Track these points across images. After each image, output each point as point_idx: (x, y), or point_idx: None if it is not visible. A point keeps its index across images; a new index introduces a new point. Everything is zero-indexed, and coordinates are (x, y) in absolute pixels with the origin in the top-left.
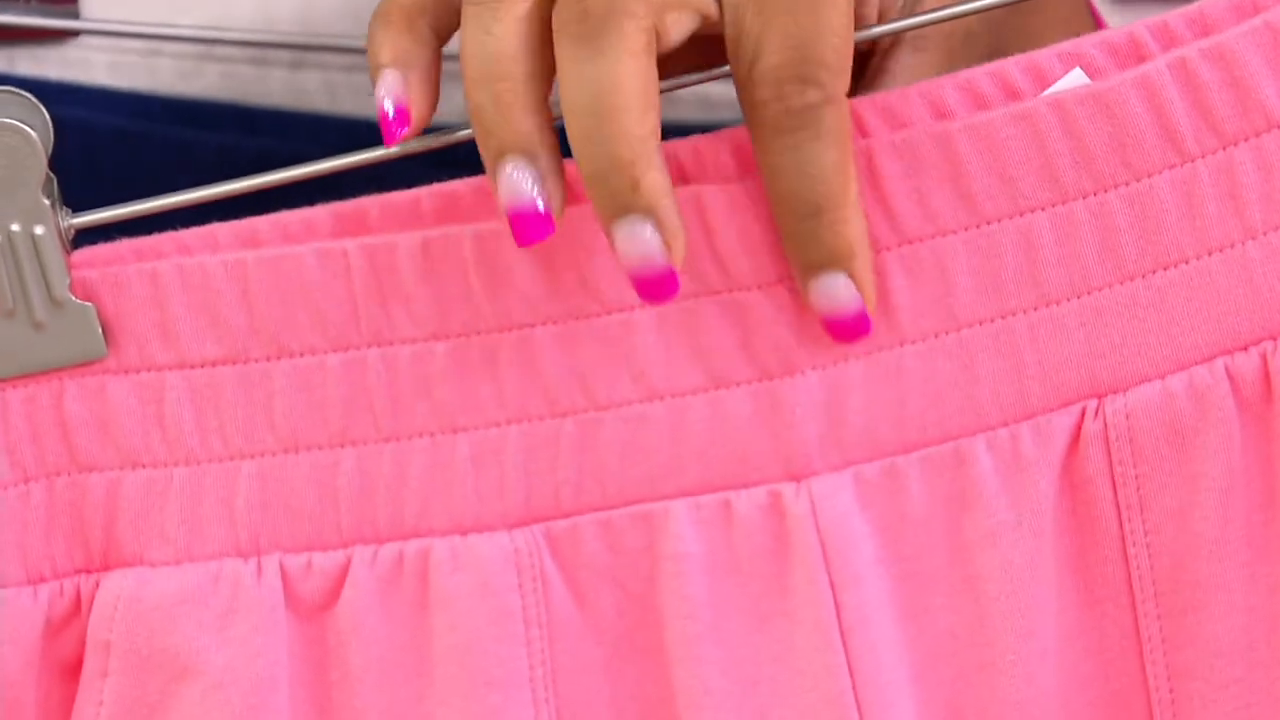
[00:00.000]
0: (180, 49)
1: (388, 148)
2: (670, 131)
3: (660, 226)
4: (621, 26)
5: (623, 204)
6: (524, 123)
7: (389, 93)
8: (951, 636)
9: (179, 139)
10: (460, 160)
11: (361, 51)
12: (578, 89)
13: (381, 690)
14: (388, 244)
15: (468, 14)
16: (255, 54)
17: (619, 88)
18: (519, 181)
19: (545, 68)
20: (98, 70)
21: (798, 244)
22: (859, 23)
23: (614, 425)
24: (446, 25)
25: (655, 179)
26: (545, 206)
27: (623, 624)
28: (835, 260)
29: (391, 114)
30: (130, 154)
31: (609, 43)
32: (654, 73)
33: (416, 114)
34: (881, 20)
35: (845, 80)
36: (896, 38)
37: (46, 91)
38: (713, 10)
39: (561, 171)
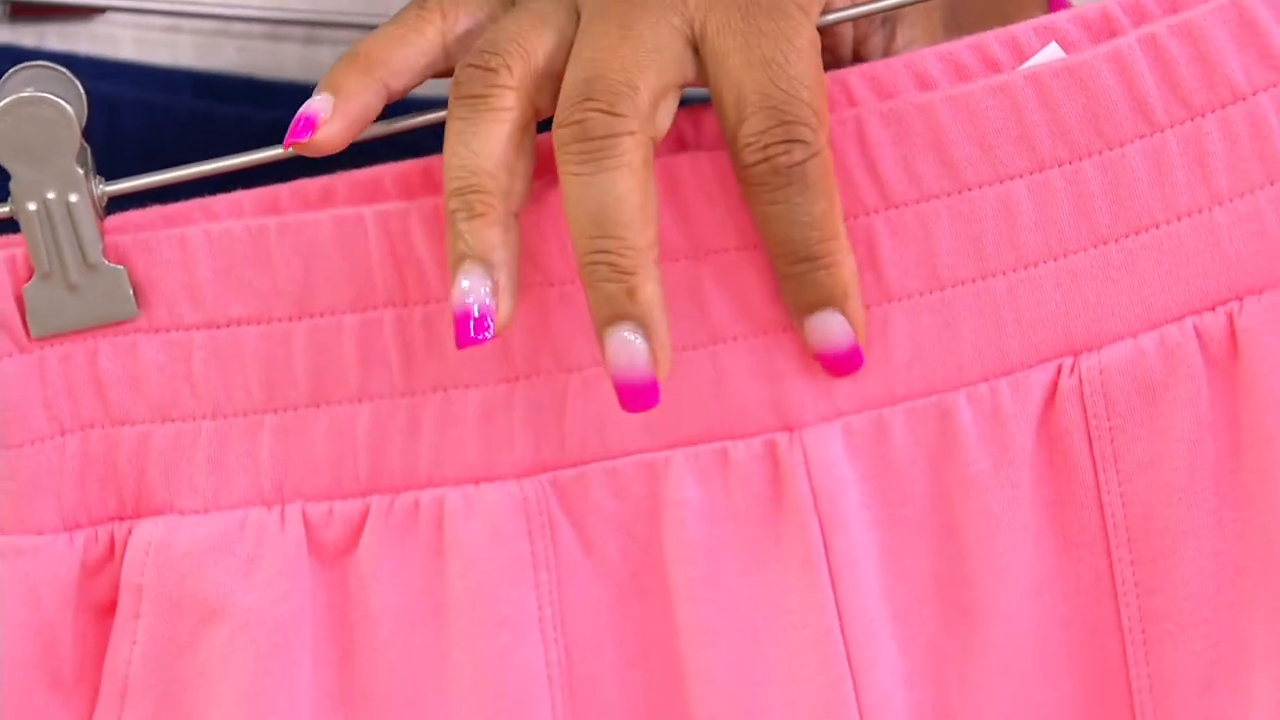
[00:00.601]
0: (199, 25)
1: (286, 149)
2: None
3: (650, 337)
4: (620, 145)
5: (619, 311)
6: (490, 236)
7: (309, 105)
8: (933, 579)
9: (200, 111)
10: None
11: (367, 27)
12: (581, 203)
13: (399, 631)
14: (401, 210)
15: (451, 126)
16: (270, 30)
17: (620, 202)
18: (473, 288)
19: (519, 182)
20: (123, 45)
21: (792, 286)
22: (835, 56)
23: None
24: (401, 86)
25: (652, 291)
26: (492, 316)
27: (627, 567)
28: (829, 301)
29: (300, 121)
30: (154, 124)
31: (610, 161)
32: (653, 185)
33: (325, 133)
34: (858, 52)
35: (826, 128)
36: (885, 51)
37: (75, 66)
38: (692, 74)
39: (516, 288)
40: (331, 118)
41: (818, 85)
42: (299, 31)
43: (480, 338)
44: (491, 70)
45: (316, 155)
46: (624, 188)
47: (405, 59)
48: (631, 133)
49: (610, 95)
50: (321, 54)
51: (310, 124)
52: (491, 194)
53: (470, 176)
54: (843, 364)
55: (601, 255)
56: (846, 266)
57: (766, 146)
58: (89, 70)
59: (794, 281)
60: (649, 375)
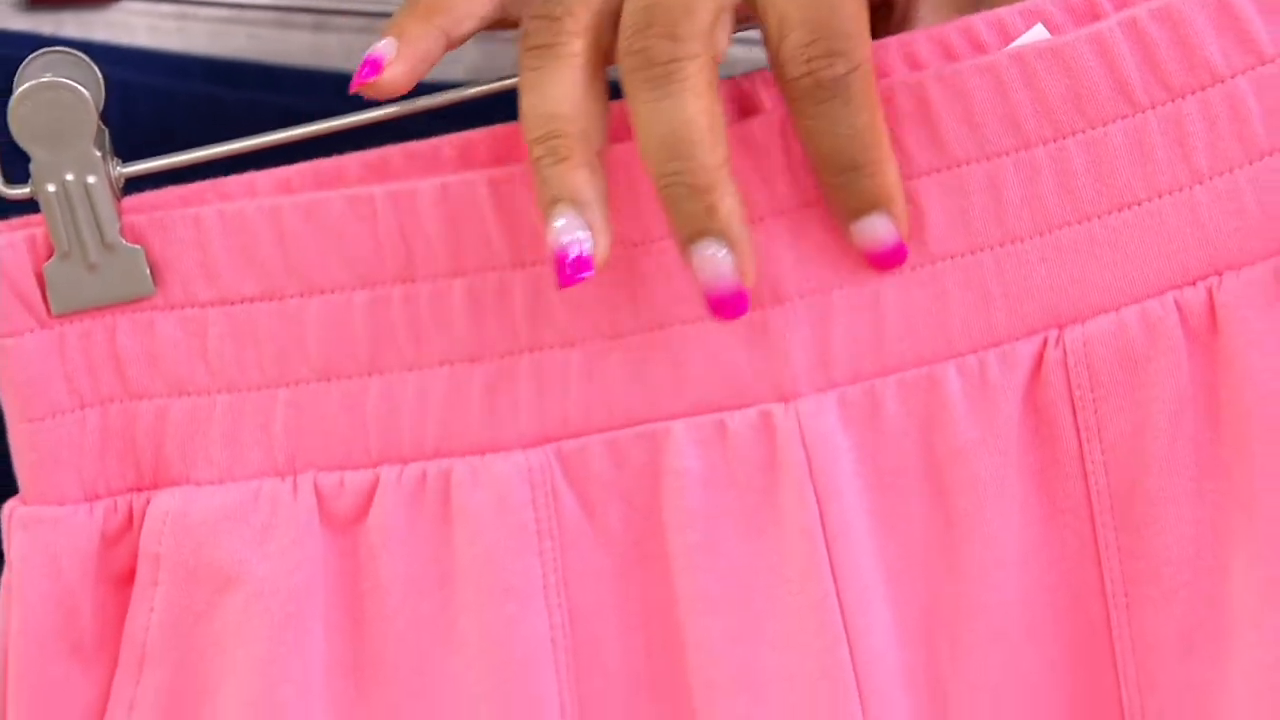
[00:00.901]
0: (211, 13)
1: (351, 94)
2: None
3: (733, 248)
4: (684, 70)
5: (700, 228)
6: (577, 176)
7: (374, 49)
8: (924, 544)
9: (212, 96)
10: (472, 113)
11: (374, 15)
12: (652, 128)
13: (408, 598)
14: (410, 189)
15: (524, 78)
16: (280, 17)
17: (690, 124)
18: (568, 229)
19: (597, 121)
20: (138, 33)
21: (839, 194)
22: None
23: (619, 353)
24: (460, 34)
25: (730, 204)
26: (589, 253)
27: (629, 535)
28: (875, 205)
29: (365, 65)
30: (166, 110)
31: (675, 86)
32: (719, 104)
33: (390, 74)
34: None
35: (867, 44)
36: (906, 11)
37: (92, 53)
38: (742, 2)
39: (609, 225)
40: (395, 60)
41: (859, 7)
42: (308, 19)
43: (580, 276)
44: (556, 19)
45: (381, 97)
46: (692, 110)
47: (465, 6)
48: (694, 55)
49: (669, 20)
50: (330, 41)
51: (376, 66)
52: (572, 137)
53: (550, 122)
54: (889, 260)
55: (677, 177)
56: (890, 172)
57: (810, 60)
58: (104, 56)
59: (840, 190)
60: (736, 285)
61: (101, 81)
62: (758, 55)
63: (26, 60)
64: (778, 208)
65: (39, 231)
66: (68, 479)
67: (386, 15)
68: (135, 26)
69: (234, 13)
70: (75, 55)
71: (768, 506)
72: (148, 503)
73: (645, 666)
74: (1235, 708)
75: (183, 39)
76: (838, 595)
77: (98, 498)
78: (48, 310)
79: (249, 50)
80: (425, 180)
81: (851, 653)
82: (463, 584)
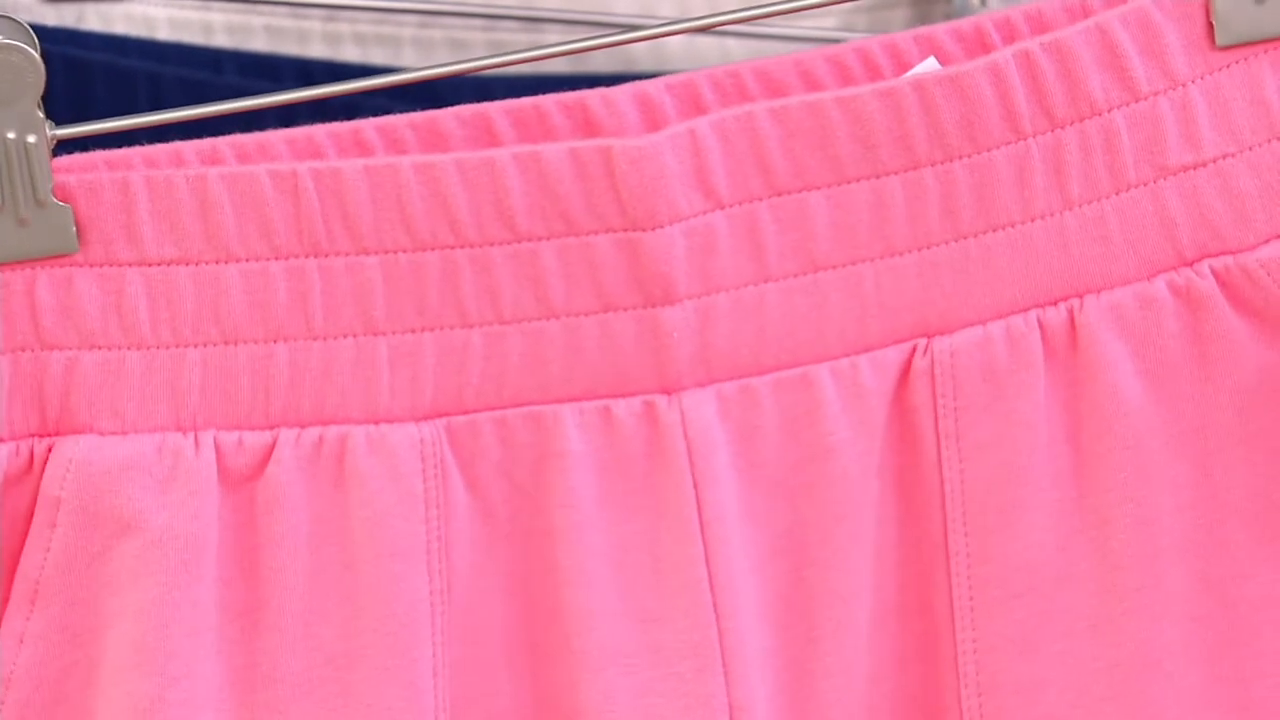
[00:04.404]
0: (229, 5)
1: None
2: (581, 83)
3: None
4: None
5: None
6: None
7: None
8: (789, 534)
9: (238, 89)
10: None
11: (387, 11)
12: None
13: (299, 553)
14: (335, 168)
15: None
16: (292, 10)
17: None
18: None
19: None
20: (159, 26)
21: None
22: None
23: (516, 337)
24: None
25: None
26: None
27: (508, 510)
28: None
29: None
30: (195, 102)
31: None
32: None
33: None
34: None
35: None
36: None
37: (117, 46)
38: None
39: None
40: None
41: None
42: (320, 12)
43: None
44: None
45: None
46: None
47: None
48: None
49: None
50: (342, 29)
51: None
52: None
53: None
54: None
55: None
56: None
57: None
58: (136, 50)
59: None
60: None
61: (37, 44)
62: (757, 48)
63: None
64: (677, 215)
65: None
66: None
67: (397, 7)
68: (156, 19)
69: (250, 5)
70: (12, 20)
71: (647, 490)
72: (50, 449)
73: (522, 635)
74: (1082, 707)
75: (203, 32)
76: (710, 578)
77: (1, 441)
78: None
79: (267, 41)
80: (350, 160)
81: (719, 633)
82: (352, 543)
